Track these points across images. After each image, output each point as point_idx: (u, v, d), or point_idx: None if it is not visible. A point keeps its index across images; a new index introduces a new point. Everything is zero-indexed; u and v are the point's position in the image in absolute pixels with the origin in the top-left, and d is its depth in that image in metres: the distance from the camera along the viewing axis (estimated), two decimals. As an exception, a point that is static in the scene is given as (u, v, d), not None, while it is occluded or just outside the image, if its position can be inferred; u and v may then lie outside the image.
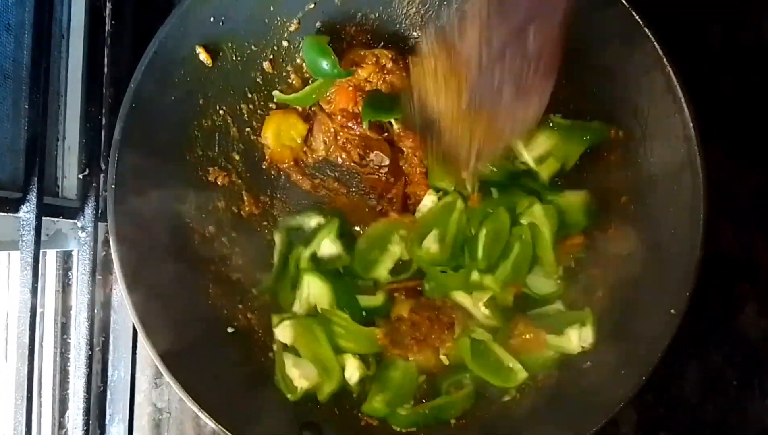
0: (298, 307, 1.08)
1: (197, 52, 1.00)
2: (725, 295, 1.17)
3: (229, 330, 1.06)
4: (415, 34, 1.10)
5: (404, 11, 1.07)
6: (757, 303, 1.17)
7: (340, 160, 1.12)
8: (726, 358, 1.17)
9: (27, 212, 0.96)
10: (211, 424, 0.93)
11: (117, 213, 0.94)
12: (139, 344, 1.18)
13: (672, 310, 0.92)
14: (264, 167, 1.13)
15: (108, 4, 1.13)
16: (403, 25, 1.09)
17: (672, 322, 0.91)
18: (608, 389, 0.94)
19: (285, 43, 1.07)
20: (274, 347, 1.07)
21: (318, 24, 1.07)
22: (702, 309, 1.15)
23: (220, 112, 1.07)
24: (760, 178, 1.18)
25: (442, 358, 1.07)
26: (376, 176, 1.10)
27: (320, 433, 1.02)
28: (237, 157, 1.11)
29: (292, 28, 1.06)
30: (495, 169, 1.06)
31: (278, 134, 1.11)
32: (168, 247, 1.02)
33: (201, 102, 1.04)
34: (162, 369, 0.93)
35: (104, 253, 1.14)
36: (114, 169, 0.94)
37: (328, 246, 1.09)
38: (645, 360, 0.92)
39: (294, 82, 1.12)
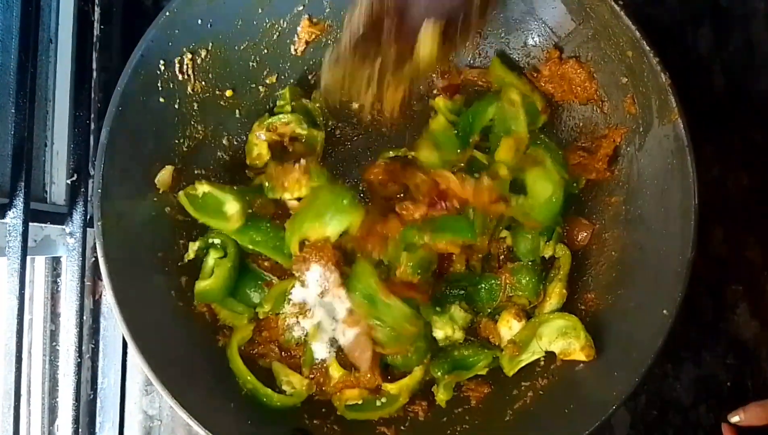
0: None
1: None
2: (717, 297, 1.17)
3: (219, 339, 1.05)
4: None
5: (394, 14, 1.07)
6: (749, 304, 1.17)
7: None
8: (719, 360, 1.17)
9: (14, 218, 0.95)
10: (202, 432, 0.92)
11: (104, 219, 0.93)
12: (129, 351, 1.17)
13: (664, 311, 0.91)
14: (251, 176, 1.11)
15: (96, 9, 1.13)
16: (393, 28, 1.09)
17: (664, 323, 0.91)
18: (601, 391, 0.94)
19: (274, 47, 1.06)
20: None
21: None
22: (694, 310, 1.15)
23: (209, 116, 1.06)
24: (751, 178, 1.18)
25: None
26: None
27: (311, 439, 1.01)
28: (227, 159, 1.10)
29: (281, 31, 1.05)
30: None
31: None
32: (156, 253, 1.01)
33: (188, 105, 1.03)
34: (151, 377, 0.91)
35: (93, 259, 1.13)
36: (101, 174, 0.92)
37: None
38: (638, 361, 0.92)
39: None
